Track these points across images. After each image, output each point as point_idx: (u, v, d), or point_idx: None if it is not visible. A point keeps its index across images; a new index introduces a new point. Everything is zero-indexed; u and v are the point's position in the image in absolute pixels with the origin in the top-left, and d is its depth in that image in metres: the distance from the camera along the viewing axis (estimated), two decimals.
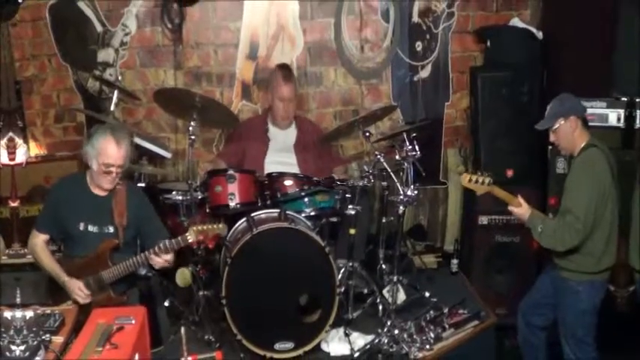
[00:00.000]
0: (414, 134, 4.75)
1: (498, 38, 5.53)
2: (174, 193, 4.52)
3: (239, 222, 4.40)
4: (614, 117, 4.28)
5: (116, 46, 5.67)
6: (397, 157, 4.70)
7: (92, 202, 3.76)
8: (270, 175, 4.57)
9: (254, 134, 5.14)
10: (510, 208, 3.80)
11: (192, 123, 4.36)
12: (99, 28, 5.63)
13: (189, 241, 3.66)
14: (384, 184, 4.91)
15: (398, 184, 4.44)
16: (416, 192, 4.48)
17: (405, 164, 4.71)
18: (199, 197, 4.42)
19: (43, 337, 2.82)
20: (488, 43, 5.57)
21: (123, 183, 3.84)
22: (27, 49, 5.60)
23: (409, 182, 4.68)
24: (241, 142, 5.19)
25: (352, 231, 4.41)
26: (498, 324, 4.64)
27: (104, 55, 5.68)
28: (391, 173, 4.42)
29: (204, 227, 3.66)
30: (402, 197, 4.41)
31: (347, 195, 4.46)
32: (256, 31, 5.75)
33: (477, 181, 3.76)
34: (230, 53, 5.78)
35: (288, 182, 4.48)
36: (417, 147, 4.67)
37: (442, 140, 6.03)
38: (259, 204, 4.46)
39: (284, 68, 5.14)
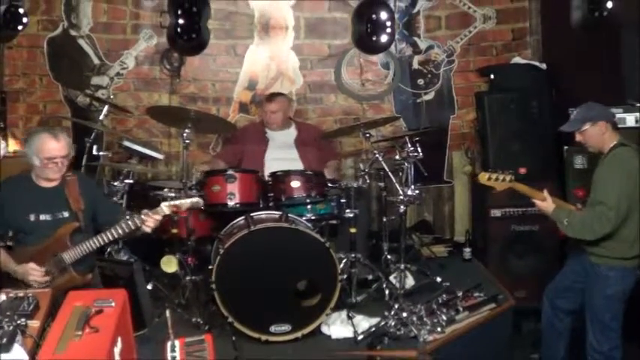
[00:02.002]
0: (417, 138, 4.62)
1: (502, 73, 5.50)
2: (165, 190, 4.35)
3: (237, 219, 4.19)
4: (632, 119, 4.37)
5: (112, 75, 5.62)
6: (397, 157, 4.54)
7: (42, 195, 3.72)
8: (274, 174, 4.36)
9: (253, 136, 5.15)
10: (534, 201, 3.77)
11: (186, 130, 4.20)
12: (96, 61, 5.60)
13: (164, 213, 3.63)
14: (381, 184, 4.74)
15: (397, 184, 4.26)
16: (417, 191, 4.31)
17: (406, 164, 4.53)
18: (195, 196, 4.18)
19: (19, 322, 2.59)
20: (492, 77, 5.52)
21: (72, 174, 3.83)
22: (19, 68, 5.54)
23: (409, 182, 4.48)
24: (240, 143, 5.15)
25: (353, 230, 4.33)
26: (517, 307, 4.47)
27: (98, 80, 5.61)
28: (389, 172, 4.27)
29: (177, 202, 3.67)
30: (401, 197, 4.23)
31: (342, 200, 4.34)
32: (255, 74, 5.77)
33: (497, 179, 3.77)
34: (228, 86, 5.76)
35: (295, 184, 4.25)
36: (419, 148, 4.52)
37: (447, 144, 5.85)
38: (261, 205, 4.27)
39: (271, 94, 5.33)
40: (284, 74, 5.77)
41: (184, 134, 4.19)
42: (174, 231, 4.23)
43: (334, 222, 4.49)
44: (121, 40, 5.62)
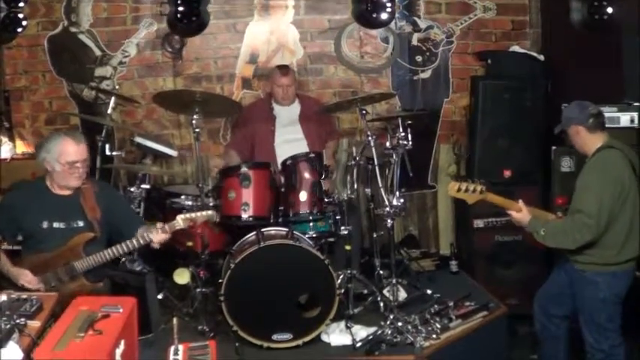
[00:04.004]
0: (409, 122, 4.68)
1: (499, 59, 5.53)
2: (182, 197, 4.42)
3: (248, 235, 4.32)
4: (627, 119, 4.37)
5: (114, 65, 5.64)
6: (388, 143, 4.60)
7: (56, 202, 3.74)
8: (284, 164, 4.45)
9: (260, 114, 5.19)
10: (509, 212, 3.69)
11: (194, 116, 4.23)
12: (97, 52, 5.62)
13: (177, 228, 3.76)
14: (368, 191, 4.81)
15: (382, 190, 4.38)
16: (402, 200, 4.42)
17: (394, 156, 4.58)
18: (211, 204, 4.27)
19: (17, 321, 2.68)
20: (489, 61, 5.56)
21: (87, 181, 3.83)
22: (20, 67, 5.56)
23: (395, 186, 4.55)
24: (248, 126, 5.19)
25: (348, 247, 4.45)
26: (511, 313, 4.54)
27: (101, 71, 5.64)
28: (376, 168, 4.35)
29: (193, 215, 3.79)
30: (388, 209, 4.36)
31: (337, 217, 4.46)
32: (256, 47, 5.80)
33: (467, 190, 3.59)
34: (230, 62, 5.79)
35: (302, 197, 4.36)
36: (409, 136, 4.57)
37: (437, 134, 5.92)
38: (271, 220, 4.39)
39: (282, 67, 5.30)
40: (284, 46, 5.81)
41: (193, 121, 4.23)
42: (190, 244, 4.32)
43: (331, 239, 4.62)
44: (121, 31, 5.63)
